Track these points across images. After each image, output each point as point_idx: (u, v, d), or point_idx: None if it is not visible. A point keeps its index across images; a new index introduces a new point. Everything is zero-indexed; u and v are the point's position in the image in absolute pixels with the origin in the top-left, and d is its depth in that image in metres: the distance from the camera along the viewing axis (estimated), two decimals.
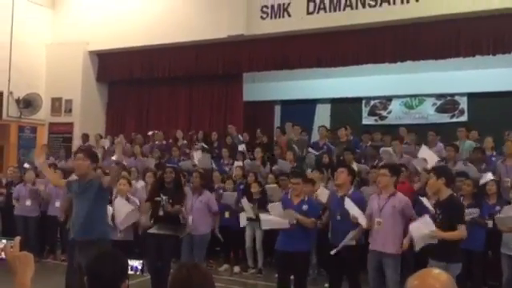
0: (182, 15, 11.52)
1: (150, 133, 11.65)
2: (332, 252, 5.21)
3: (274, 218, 5.49)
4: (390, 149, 7.98)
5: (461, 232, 4.40)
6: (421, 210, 5.32)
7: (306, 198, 5.54)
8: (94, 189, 4.82)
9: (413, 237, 4.36)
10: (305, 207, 5.39)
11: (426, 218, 4.31)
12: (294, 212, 5.29)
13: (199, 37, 11.32)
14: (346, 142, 9.20)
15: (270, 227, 5.67)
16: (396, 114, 12.18)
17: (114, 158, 9.51)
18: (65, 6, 13.22)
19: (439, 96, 11.74)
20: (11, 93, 12.17)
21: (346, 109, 12.45)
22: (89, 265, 2.19)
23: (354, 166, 7.30)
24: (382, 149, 8.17)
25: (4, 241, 1.84)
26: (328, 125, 11.13)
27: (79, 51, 12.75)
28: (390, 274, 4.93)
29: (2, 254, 1.81)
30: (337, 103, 12.67)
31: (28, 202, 8.36)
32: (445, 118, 11.59)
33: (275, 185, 7.66)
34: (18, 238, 1.86)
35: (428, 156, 7.17)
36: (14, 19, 12.32)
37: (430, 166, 6.72)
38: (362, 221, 5.09)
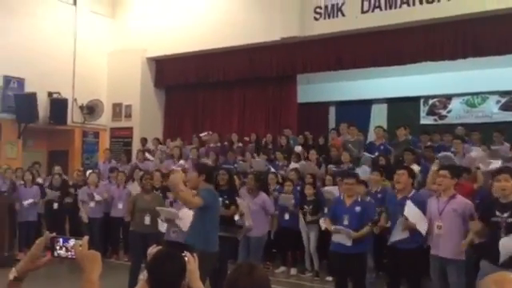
0: (235, 19, 11.66)
1: (202, 134, 11.81)
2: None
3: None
4: (450, 154, 7.65)
5: None
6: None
7: (359, 199, 5.45)
8: None
9: (501, 251, 4.14)
10: (357, 209, 5.30)
11: None
12: (350, 231, 5.19)
13: (252, 40, 11.41)
14: (405, 142, 8.95)
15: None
16: (457, 112, 11.74)
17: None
18: (124, 15, 13.73)
19: (503, 93, 11.21)
20: (75, 100, 12.79)
21: (403, 108, 12.14)
22: (150, 264, 2.26)
23: (415, 167, 7.07)
24: (440, 154, 7.83)
25: (73, 240, 1.93)
26: (385, 125, 10.88)
27: (138, 58, 13.20)
28: (453, 280, 4.73)
29: (72, 252, 1.90)
30: (393, 103, 12.38)
31: (92, 204, 8.71)
32: (510, 117, 11.04)
33: (332, 187, 7.54)
34: (86, 238, 1.94)
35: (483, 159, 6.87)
36: (77, 29, 12.96)
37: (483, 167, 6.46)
38: (422, 228, 4.92)
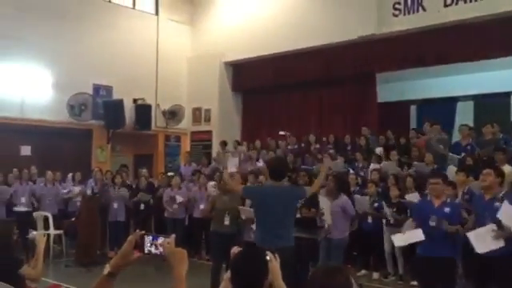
0: (311, 20, 11.59)
1: (282, 132, 11.85)
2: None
3: (407, 234, 5.28)
4: None
5: None
6: None
7: (448, 200, 5.17)
8: None
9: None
10: (447, 210, 5.00)
11: None
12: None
13: (329, 40, 11.29)
14: (494, 141, 8.42)
15: (404, 243, 5.44)
16: None
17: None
18: (202, 22, 14.15)
19: None
20: (158, 105, 13.36)
21: (492, 105, 11.41)
22: (232, 263, 2.30)
23: (507, 167, 6.62)
24: None
25: (162, 238, 2.00)
26: (471, 124, 10.28)
27: (215, 63, 13.53)
28: None
29: (161, 249, 1.97)
30: (481, 100, 11.67)
31: (175, 205, 9.04)
32: None
33: (412, 194, 7.30)
34: (173, 236, 2.01)
35: None
36: (159, 38, 13.57)
37: None
38: None
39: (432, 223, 4.93)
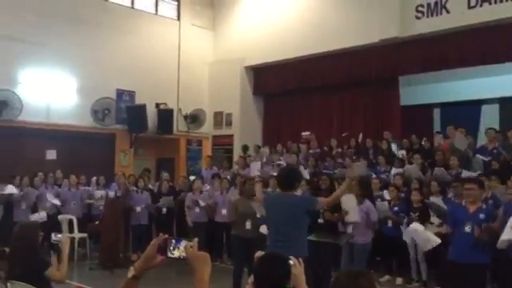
0: (332, 23, 11.54)
1: (304, 133, 11.81)
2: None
3: (426, 232, 5.21)
4: None
5: None
6: None
7: (484, 206, 5.04)
8: None
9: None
10: (482, 216, 4.87)
11: None
12: None
13: (350, 43, 11.23)
14: None
15: (415, 236, 5.36)
16: None
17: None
18: (223, 27, 14.23)
19: None
20: (180, 109, 13.46)
21: None
22: (255, 268, 2.29)
23: None
24: None
25: (184, 241, 2.01)
26: (497, 128, 10.08)
27: (236, 67, 13.58)
28: None
29: (184, 253, 1.98)
30: (507, 103, 11.44)
31: (197, 209, 9.07)
32: None
33: (436, 198, 7.18)
34: (196, 240, 2.01)
35: None
36: (181, 43, 13.70)
37: None
38: None
39: (467, 229, 4.84)
